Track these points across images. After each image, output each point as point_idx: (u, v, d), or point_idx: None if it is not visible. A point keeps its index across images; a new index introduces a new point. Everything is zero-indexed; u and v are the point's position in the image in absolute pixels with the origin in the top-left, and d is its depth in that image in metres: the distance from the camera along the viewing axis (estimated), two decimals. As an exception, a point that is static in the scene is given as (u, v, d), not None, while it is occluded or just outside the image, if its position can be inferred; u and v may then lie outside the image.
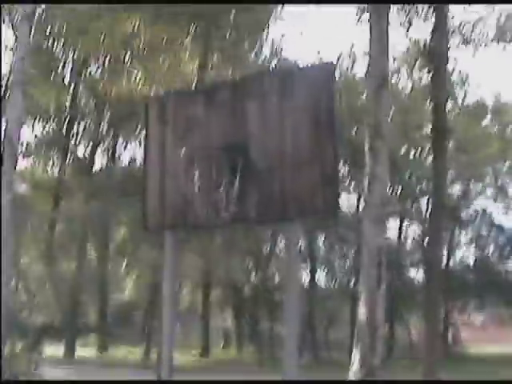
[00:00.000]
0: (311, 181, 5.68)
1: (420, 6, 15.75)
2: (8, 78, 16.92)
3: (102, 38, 18.77)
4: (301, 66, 6.44)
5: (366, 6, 13.18)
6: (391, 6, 10.21)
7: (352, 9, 16.73)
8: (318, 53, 26.25)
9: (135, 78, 18.08)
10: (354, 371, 7.78)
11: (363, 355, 7.63)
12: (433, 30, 14.92)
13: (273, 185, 5.81)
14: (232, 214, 5.80)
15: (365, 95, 10.70)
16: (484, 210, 35.88)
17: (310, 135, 5.72)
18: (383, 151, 7.93)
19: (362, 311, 7.86)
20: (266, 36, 24.88)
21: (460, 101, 31.66)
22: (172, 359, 7.14)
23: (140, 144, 31.30)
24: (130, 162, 30.98)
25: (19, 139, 11.49)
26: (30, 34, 10.53)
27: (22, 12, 10.67)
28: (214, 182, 5.92)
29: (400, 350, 29.38)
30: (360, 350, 7.70)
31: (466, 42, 18.55)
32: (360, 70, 28.10)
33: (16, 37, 14.35)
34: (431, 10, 15.30)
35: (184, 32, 17.99)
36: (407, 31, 16.28)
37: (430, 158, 24.14)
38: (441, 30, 14.70)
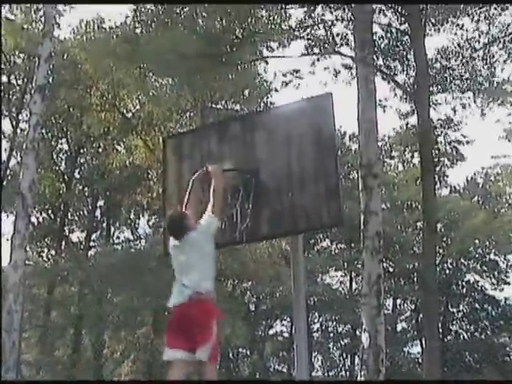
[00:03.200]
0: (317, 195, 6.33)
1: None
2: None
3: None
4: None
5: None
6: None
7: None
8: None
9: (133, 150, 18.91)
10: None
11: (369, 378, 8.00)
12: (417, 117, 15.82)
13: (282, 202, 6.46)
14: (247, 230, 6.40)
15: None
16: (477, 282, 36.07)
17: (313, 156, 6.44)
18: (376, 188, 8.62)
19: (364, 337, 8.30)
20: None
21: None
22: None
23: (133, 230, 32.13)
24: (123, 246, 31.37)
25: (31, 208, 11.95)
26: (42, 102, 11.25)
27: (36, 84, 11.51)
28: (228, 203, 6.56)
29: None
30: (365, 373, 8.08)
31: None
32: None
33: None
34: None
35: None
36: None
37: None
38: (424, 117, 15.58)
